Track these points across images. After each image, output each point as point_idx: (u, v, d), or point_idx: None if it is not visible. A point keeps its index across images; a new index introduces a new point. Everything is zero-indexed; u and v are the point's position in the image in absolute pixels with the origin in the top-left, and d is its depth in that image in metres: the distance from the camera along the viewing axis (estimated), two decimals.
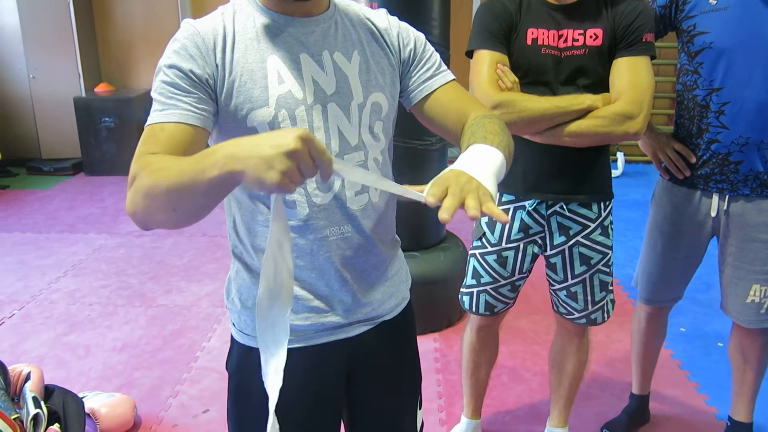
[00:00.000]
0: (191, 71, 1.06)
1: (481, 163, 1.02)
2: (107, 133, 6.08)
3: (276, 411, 1.24)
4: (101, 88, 6.31)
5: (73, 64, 6.20)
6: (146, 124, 1.06)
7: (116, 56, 6.55)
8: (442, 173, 0.98)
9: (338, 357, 1.26)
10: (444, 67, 1.28)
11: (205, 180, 0.88)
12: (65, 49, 6.15)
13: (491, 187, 0.98)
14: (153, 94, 1.08)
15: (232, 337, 1.30)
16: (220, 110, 1.10)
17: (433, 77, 1.26)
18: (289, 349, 1.21)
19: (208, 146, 1.10)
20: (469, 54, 1.86)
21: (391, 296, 1.30)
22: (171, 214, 0.95)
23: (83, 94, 6.19)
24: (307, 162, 0.85)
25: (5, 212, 5.14)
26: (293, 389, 1.23)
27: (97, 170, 6.17)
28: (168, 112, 1.05)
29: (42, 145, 6.41)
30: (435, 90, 1.25)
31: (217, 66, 1.08)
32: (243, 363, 1.26)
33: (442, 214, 0.87)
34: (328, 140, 1.14)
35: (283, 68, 1.11)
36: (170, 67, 1.07)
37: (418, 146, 3.03)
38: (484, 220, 2.00)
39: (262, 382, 1.23)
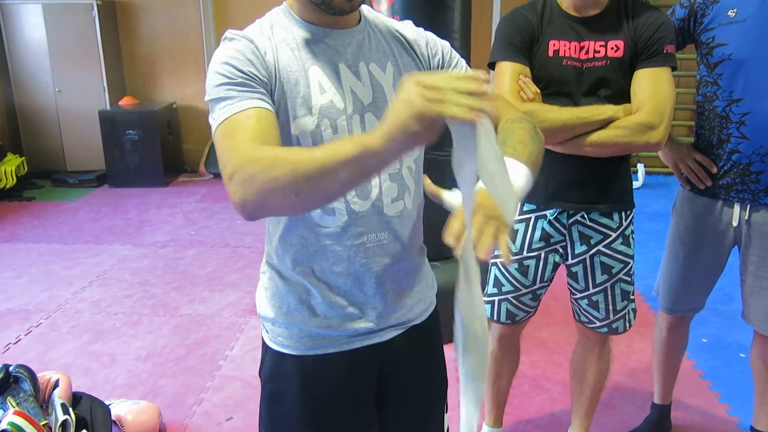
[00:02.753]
0: (251, 73, 1.07)
1: (507, 188, 1.00)
2: (131, 146, 6.17)
3: (310, 416, 1.27)
4: (125, 102, 6.41)
5: (98, 78, 6.31)
6: (220, 119, 1.04)
7: (140, 70, 6.66)
8: (476, 199, 0.97)
9: (370, 362, 1.28)
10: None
11: (342, 158, 0.89)
12: (90, 63, 6.26)
13: (511, 217, 1.01)
14: (214, 95, 1.06)
15: (264, 344, 1.32)
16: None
17: None
18: (321, 355, 1.24)
19: None
20: (491, 66, 1.89)
21: (419, 301, 1.33)
22: (292, 199, 0.93)
23: (108, 107, 6.29)
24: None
25: (31, 223, 5.23)
26: (327, 394, 1.26)
27: (121, 182, 6.26)
28: (244, 102, 1.04)
29: (67, 157, 6.51)
30: None
31: (269, 74, 1.10)
32: (276, 370, 1.28)
33: (456, 252, 1.01)
34: None
35: (324, 79, 1.13)
36: (231, 68, 1.06)
37: (438, 156, 3.05)
38: None
39: (296, 389, 1.26)
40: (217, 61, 1.09)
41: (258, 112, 1.03)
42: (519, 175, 1.07)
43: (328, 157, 0.90)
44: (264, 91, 1.07)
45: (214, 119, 1.06)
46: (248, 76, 1.06)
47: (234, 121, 1.02)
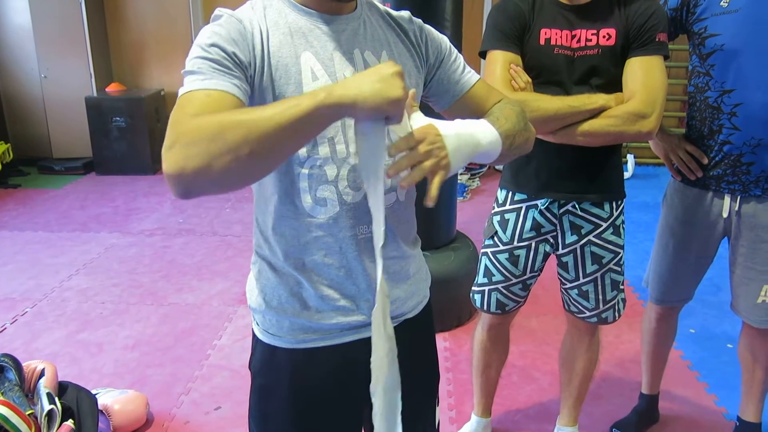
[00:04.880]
0: (234, 54, 1.03)
1: (467, 134, 1.07)
2: (118, 133, 6.12)
3: (300, 408, 1.26)
4: (112, 88, 6.35)
5: (85, 64, 6.25)
6: (182, 92, 0.99)
7: (128, 56, 6.60)
8: (428, 124, 1.06)
9: (361, 355, 1.26)
10: (469, 67, 1.30)
11: (298, 114, 0.90)
12: (77, 49, 6.20)
13: (457, 162, 1.05)
14: (190, 68, 1.01)
15: (254, 336, 1.30)
16: (253, 101, 1.08)
17: (464, 78, 1.28)
18: (313, 348, 1.23)
19: None
20: (483, 55, 1.87)
21: (413, 294, 1.31)
22: (243, 160, 0.88)
23: (95, 94, 6.24)
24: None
25: (17, 211, 5.18)
26: (317, 388, 1.25)
27: (108, 170, 6.21)
28: (213, 81, 0.99)
29: (53, 144, 6.45)
30: (468, 90, 1.28)
31: (254, 56, 1.07)
32: (267, 363, 1.27)
33: (389, 171, 1.00)
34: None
35: (317, 65, 1.11)
36: (213, 45, 1.02)
37: None
38: (497, 219, 2.01)
39: (286, 383, 1.25)
40: (201, 36, 1.05)
41: (222, 96, 0.98)
42: (483, 135, 1.12)
43: (285, 111, 0.90)
44: (240, 75, 1.03)
45: (180, 91, 1.01)
46: (227, 55, 1.02)
47: (192, 97, 0.97)
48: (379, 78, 0.93)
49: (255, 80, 1.07)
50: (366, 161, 1.02)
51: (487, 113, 1.24)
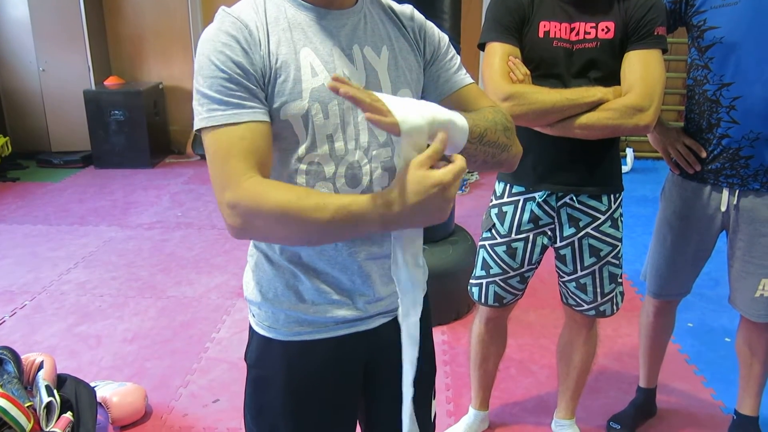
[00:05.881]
0: (246, 65, 1.04)
1: (420, 105, 1.00)
2: (117, 126, 6.10)
3: (295, 402, 1.26)
4: (111, 81, 6.33)
5: (83, 57, 6.23)
6: (211, 123, 1.04)
7: (126, 49, 6.58)
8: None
9: (357, 348, 1.27)
10: (464, 70, 1.29)
11: (355, 232, 1.05)
12: (75, 42, 6.18)
13: (405, 114, 0.96)
14: (204, 90, 1.04)
15: (251, 328, 1.30)
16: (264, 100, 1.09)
17: (455, 78, 1.27)
18: (308, 341, 1.23)
19: None
20: (481, 46, 1.87)
21: None
22: (294, 242, 1.12)
23: (93, 87, 6.22)
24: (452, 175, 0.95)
25: (16, 204, 5.17)
26: (312, 381, 1.25)
27: (107, 163, 6.19)
28: (235, 111, 1.03)
29: (52, 137, 6.44)
30: (457, 90, 1.26)
31: (262, 57, 1.06)
32: (262, 355, 1.27)
33: (331, 82, 0.93)
34: (357, 135, 1.13)
35: (317, 61, 1.10)
36: (224, 61, 1.03)
37: None
38: (494, 211, 2.01)
39: (281, 375, 1.25)
40: (210, 43, 1.05)
41: (253, 129, 1.04)
42: (456, 119, 1.04)
43: (338, 215, 0.98)
44: (258, 92, 1.05)
45: (202, 117, 1.04)
46: (243, 71, 1.03)
47: (228, 138, 1.03)
48: (437, 208, 0.96)
49: (265, 82, 1.07)
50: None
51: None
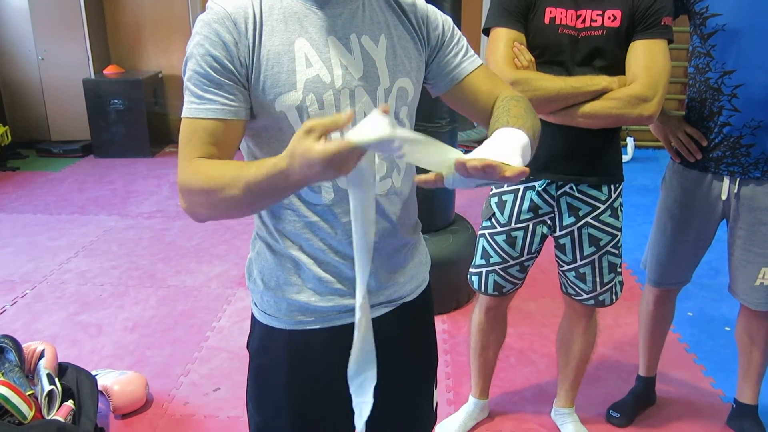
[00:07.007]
0: (224, 60, 1.05)
1: (504, 144, 1.02)
2: (116, 115, 6.09)
3: (297, 391, 1.26)
4: (110, 70, 6.31)
5: (82, 46, 6.20)
6: (184, 114, 1.08)
7: (125, 38, 6.55)
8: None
9: None
10: (472, 51, 1.27)
11: (273, 200, 1.09)
12: (74, 31, 6.15)
13: (515, 162, 0.99)
14: (186, 82, 1.08)
15: (253, 317, 1.30)
16: (251, 94, 1.09)
17: (464, 62, 1.25)
18: (310, 330, 1.23)
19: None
20: (486, 32, 1.86)
21: (412, 278, 1.30)
22: (231, 213, 1.08)
23: (92, 76, 6.20)
24: (340, 155, 0.91)
25: (16, 194, 5.17)
26: (314, 370, 1.25)
27: (107, 152, 6.19)
28: (204, 107, 1.06)
29: (51, 127, 6.42)
30: (466, 76, 1.25)
31: (248, 49, 1.06)
32: (264, 344, 1.27)
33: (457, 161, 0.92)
34: (353, 125, 1.13)
35: (311, 51, 1.09)
36: (202, 55, 1.05)
37: (428, 128, 3.03)
38: (494, 200, 2.01)
39: (283, 364, 1.25)
40: (195, 35, 1.07)
41: (218, 125, 1.07)
42: (517, 138, 1.04)
43: (254, 184, 0.99)
44: (232, 84, 1.06)
45: (184, 107, 1.09)
46: (220, 65, 1.05)
47: (193, 128, 1.08)
48: (319, 170, 0.92)
49: (251, 74, 1.08)
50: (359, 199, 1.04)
51: (494, 118, 1.18)
